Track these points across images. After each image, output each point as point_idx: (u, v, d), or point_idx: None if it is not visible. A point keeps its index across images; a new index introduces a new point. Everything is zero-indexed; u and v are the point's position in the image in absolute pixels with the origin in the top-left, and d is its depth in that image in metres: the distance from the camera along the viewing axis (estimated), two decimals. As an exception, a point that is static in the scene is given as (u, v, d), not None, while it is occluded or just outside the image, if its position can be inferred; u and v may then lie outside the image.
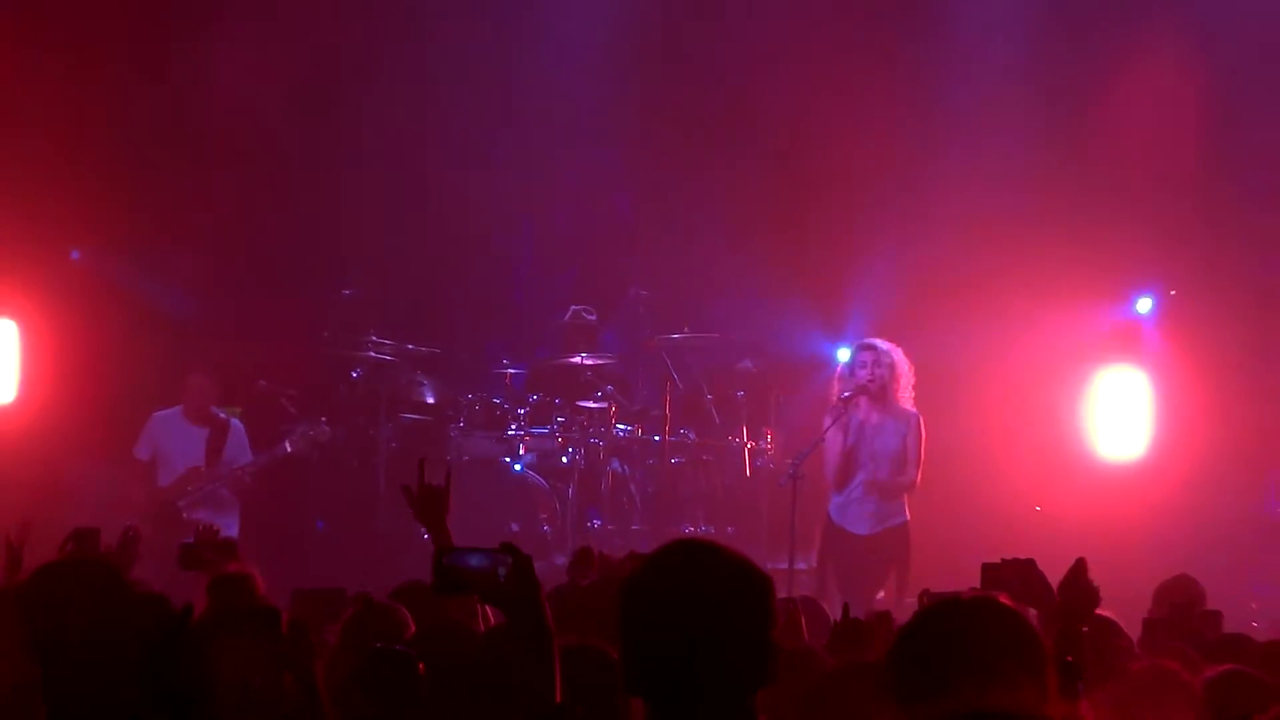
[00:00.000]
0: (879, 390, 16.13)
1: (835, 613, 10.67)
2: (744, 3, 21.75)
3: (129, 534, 11.04)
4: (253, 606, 6.85)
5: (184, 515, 17.46)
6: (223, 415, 18.68)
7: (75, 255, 20.53)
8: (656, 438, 19.57)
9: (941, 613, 5.40)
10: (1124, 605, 10.05)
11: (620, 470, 18.31)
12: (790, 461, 17.07)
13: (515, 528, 17.95)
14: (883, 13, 21.78)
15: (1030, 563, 8.32)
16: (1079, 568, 8.00)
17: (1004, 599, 5.89)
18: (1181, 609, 10.65)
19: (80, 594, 7.06)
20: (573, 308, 20.23)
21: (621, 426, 19.36)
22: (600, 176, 21.52)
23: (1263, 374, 19.93)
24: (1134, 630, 9.72)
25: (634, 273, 21.00)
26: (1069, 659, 6.74)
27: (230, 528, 17.22)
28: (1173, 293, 20.34)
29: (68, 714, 6.08)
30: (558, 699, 6.06)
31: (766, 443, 19.62)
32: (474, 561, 6.32)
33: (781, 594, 11.06)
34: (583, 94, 21.49)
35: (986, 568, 8.36)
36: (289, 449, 18.87)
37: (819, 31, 21.10)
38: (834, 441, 16.38)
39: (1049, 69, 21.77)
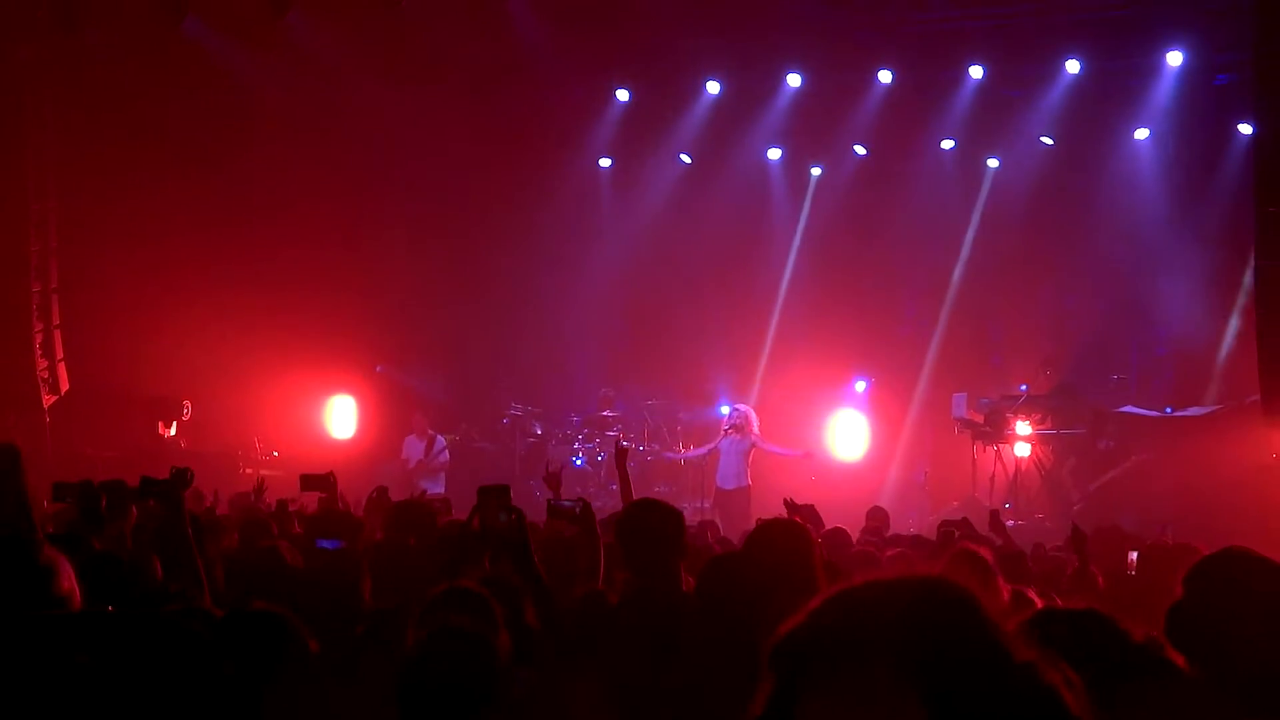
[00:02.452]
0: (742, 426, 18.77)
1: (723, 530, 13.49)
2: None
3: (410, 493, 13.38)
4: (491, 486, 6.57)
5: (416, 481, 19.16)
6: (432, 432, 20.52)
7: (379, 369, 22.69)
8: (641, 447, 21.25)
9: (769, 526, 6.01)
10: (853, 526, 11.72)
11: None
12: (701, 455, 20.14)
13: (578, 491, 16.93)
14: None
15: (810, 506, 10.08)
16: (801, 510, 9.54)
17: (798, 519, 7.25)
18: (878, 527, 12.17)
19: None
20: (602, 390, 22.05)
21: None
22: (611, 326, 22.67)
23: (899, 419, 21.43)
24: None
25: (628, 373, 22.46)
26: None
27: (439, 486, 19.51)
28: (871, 380, 21.77)
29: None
30: (601, 568, 6.78)
31: (689, 450, 21.18)
32: (566, 504, 7.47)
33: (699, 518, 14.45)
34: (606, 295, 22.59)
35: (789, 506, 9.85)
36: (446, 457, 20.66)
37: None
38: (722, 447, 18.99)
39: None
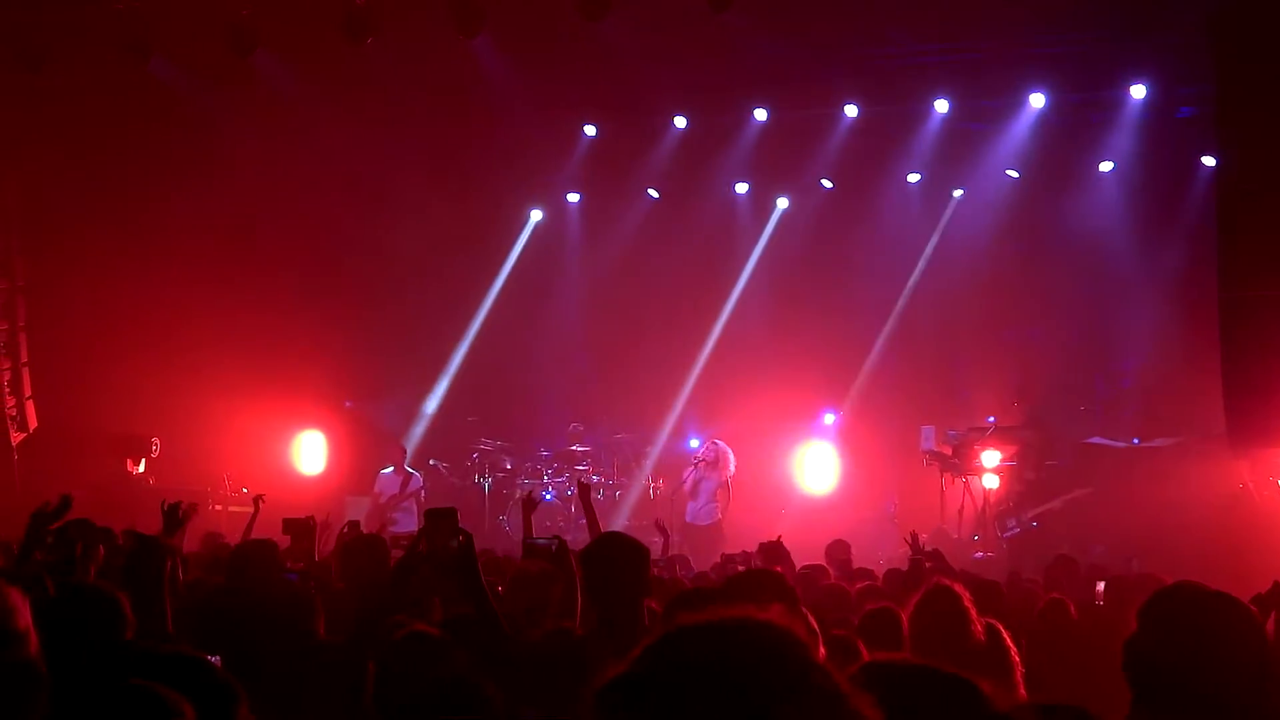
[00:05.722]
0: (713, 461, 19.09)
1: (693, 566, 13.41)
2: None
3: (381, 527, 13.69)
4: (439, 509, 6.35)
5: (389, 515, 19.12)
6: (409, 469, 20.43)
7: (348, 404, 22.99)
8: (610, 481, 21.82)
9: (753, 574, 6.27)
10: (817, 557, 12.04)
11: (595, 497, 15.96)
12: (672, 489, 20.17)
13: (546, 525, 18.75)
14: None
15: (777, 540, 10.57)
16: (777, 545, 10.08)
17: (763, 561, 7.82)
18: (842, 560, 12.26)
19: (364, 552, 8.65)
20: (572, 424, 22.38)
21: (595, 476, 20.84)
22: (581, 360, 22.89)
23: (868, 451, 21.40)
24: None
25: (597, 407, 22.83)
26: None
27: (412, 524, 18.54)
28: (840, 413, 22.15)
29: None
30: (579, 601, 6.60)
31: (659, 484, 21.73)
32: (541, 541, 7.67)
33: (669, 553, 14.04)
34: (575, 329, 23.05)
35: (761, 545, 10.45)
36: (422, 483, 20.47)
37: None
38: (690, 481, 19.29)
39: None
